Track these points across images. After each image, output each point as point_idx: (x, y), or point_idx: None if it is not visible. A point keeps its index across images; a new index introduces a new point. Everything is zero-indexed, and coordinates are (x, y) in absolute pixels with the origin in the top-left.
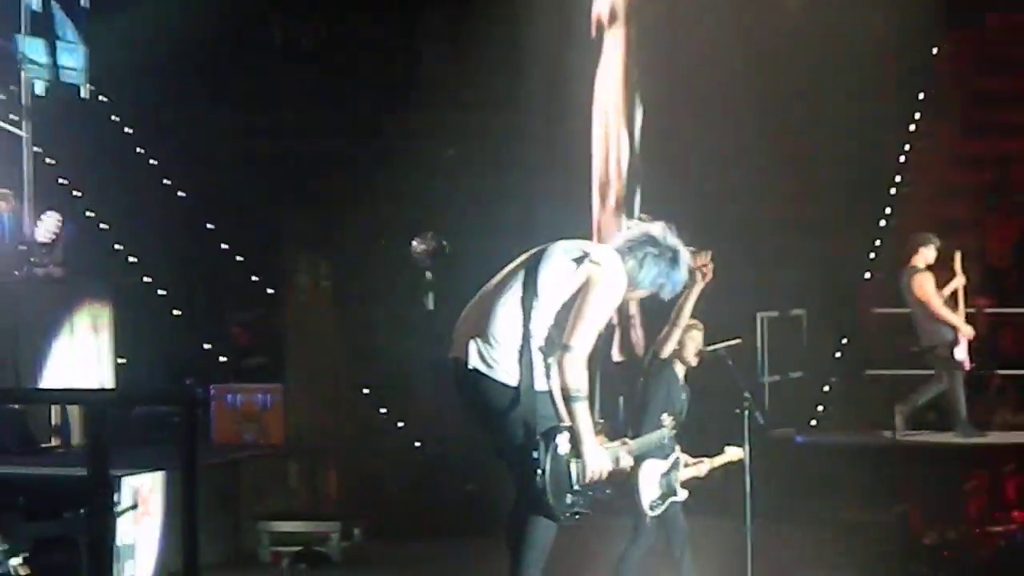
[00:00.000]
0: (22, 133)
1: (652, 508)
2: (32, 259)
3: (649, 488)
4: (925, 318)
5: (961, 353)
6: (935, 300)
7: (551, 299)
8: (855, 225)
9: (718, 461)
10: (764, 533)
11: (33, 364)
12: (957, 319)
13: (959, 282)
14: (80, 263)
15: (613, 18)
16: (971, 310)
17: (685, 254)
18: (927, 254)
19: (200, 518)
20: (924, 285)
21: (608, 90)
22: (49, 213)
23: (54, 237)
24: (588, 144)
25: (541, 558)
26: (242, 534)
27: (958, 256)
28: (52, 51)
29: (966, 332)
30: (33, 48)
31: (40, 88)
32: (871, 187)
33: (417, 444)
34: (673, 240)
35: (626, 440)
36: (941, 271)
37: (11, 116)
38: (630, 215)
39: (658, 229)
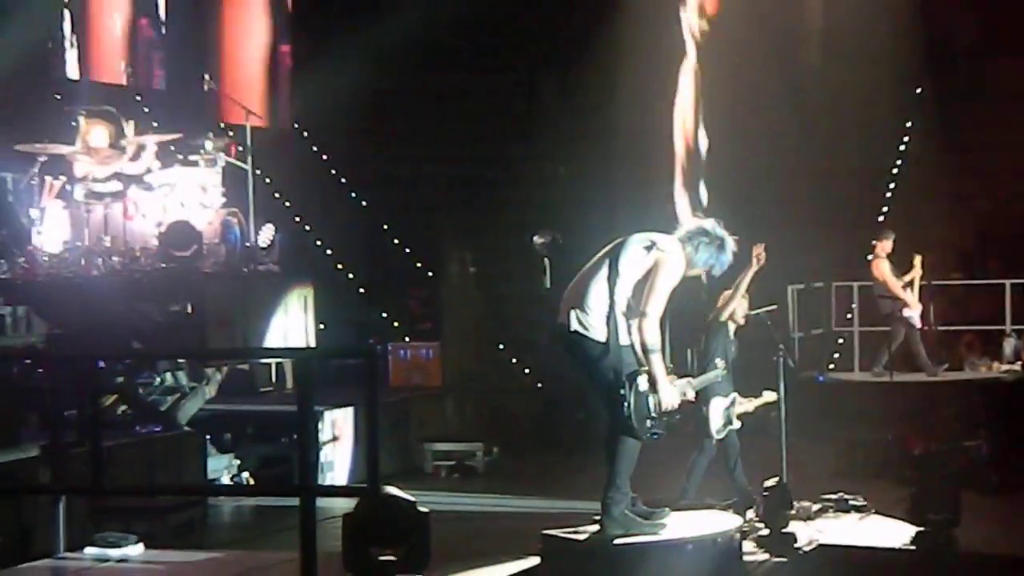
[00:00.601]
0: (245, 166)
1: (717, 433)
2: (256, 259)
3: (716, 418)
4: (882, 291)
5: (911, 314)
6: (890, 279)
7: (629, 277)
8: (860, 221)
9: (760, 401)
10: (794, 449)
11: (258, 334)
12: (903, 293)
13: (916, 274)
14: (290, 259)
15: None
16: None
17: (730, 242)
18: (886, 245)
19: (379, 441)
20: (880, 267)
21: (684, 110)
22: (267, 225)
23: (270, 242)
24: (660, 162)
25: (630, 468)
26: (411, 452)
27: (918, 259)
28: None
29: (912, 304)
30: None
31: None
32: (872, 194)
33: (539, 385)
34: (721, 231)
35: (690, 380)
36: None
37: (238, 148)
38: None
39: (709, 224)
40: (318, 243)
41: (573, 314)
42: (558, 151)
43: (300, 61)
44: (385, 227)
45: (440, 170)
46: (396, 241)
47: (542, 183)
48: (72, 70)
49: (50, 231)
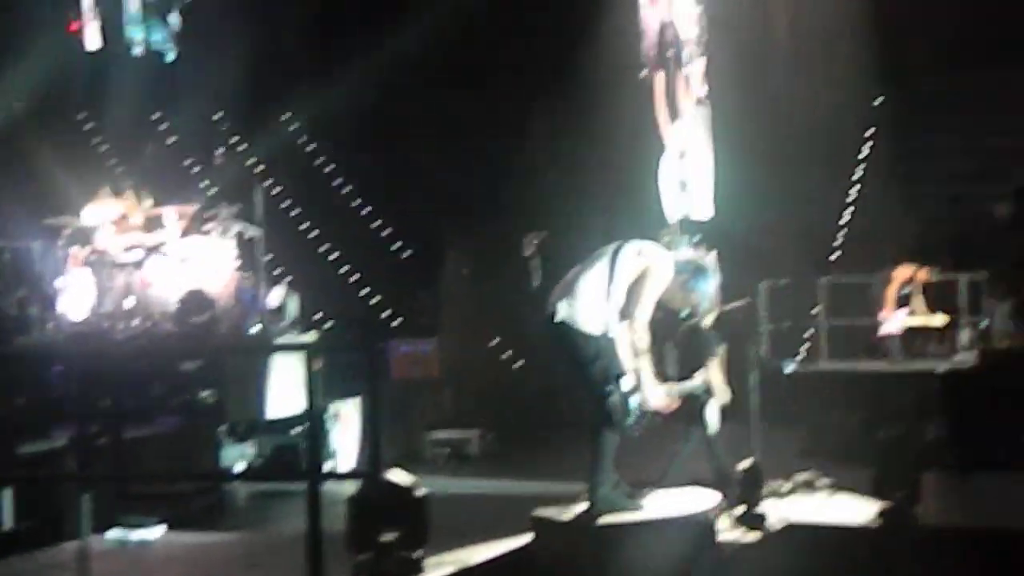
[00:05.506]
0: (257, 232)
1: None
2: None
3: (713, 419)
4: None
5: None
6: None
7: (622, 279)
8: (825, 226)
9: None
10: (765, 431)
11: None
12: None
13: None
14: (301, 317)
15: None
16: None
17: (712, 276)
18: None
19: (382, 429)
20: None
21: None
22: (277, 287)
23: (280, 303)
24: (641, 176)
25: (610, 457)
26: (412, 439)
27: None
28: None
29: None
30: None
31: None
32: (836, 202)
33: (521, 369)
34: (706, 263)
35: (673, 386)
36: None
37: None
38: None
39: (699, 257)
40: (320, 249)
41: (562, 305)
42: (544, 173)
43: (313, 78)
44: (386, 233)
45: (443, 190)
46: (398, 244)
47: (533, 197)
48: (92, 42)
49: (76, 298)
